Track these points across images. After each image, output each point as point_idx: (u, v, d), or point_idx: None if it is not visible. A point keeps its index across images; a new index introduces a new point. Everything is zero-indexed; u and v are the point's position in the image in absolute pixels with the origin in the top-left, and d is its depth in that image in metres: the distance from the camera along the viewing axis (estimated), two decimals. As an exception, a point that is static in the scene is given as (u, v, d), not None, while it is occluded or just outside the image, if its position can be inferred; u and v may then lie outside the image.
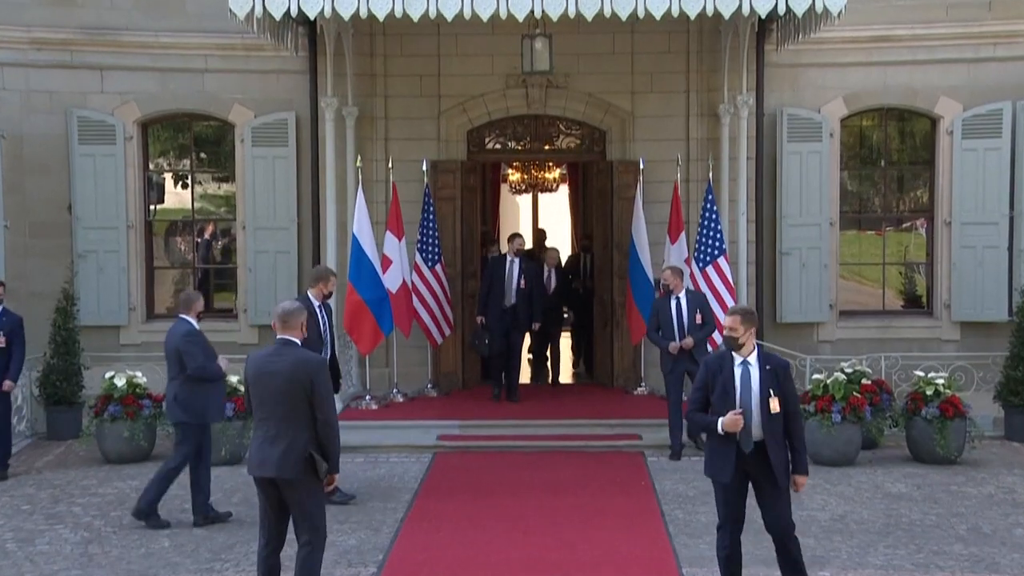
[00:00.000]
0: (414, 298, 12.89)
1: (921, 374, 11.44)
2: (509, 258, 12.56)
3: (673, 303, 10.94)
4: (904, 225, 14.49)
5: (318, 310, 9.10)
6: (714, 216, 12.41)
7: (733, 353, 6.61)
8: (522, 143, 14.24)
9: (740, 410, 6.53)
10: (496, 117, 13.96)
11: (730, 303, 12.12)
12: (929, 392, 11.15)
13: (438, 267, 13.03)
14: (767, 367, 6.58)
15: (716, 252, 12.34)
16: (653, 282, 12.73)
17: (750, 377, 6.57)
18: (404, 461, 11.10)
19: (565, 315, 15.20)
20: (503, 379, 12.75)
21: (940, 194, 13.79)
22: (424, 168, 13.12)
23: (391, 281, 12.47)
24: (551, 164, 18.83)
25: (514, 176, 19.57)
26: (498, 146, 14.23)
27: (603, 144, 13.99)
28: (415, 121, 13.66)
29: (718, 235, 12.37)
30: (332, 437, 6.27)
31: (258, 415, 6.37)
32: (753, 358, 6.60)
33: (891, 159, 14.24)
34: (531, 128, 14.11)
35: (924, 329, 13.81)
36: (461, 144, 13.91)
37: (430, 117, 13.73)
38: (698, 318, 10.86)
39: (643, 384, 13.50)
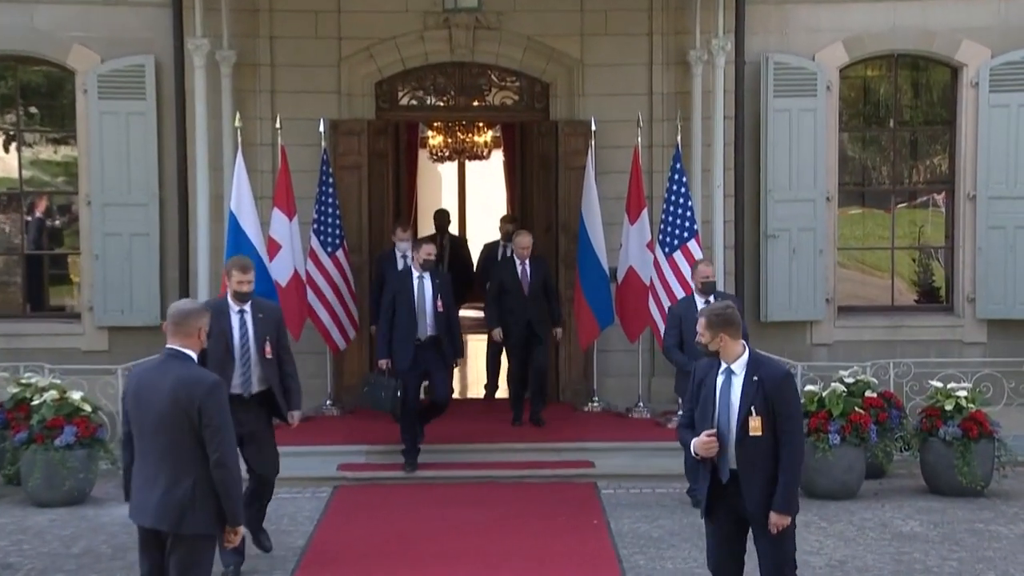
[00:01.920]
0: (309, 292, 12.89)
1: (939, 385, 11.59)
2: (416, 273, 11.53)
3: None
4: (918, 200, 14.68)
5: (235, 316, 8.82)
6: (683, 190, 12.49)
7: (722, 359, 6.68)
8: (444, 98, 14.27)
9: (712, 430, 6.59)
10: (412, 65, 13.98)
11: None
12: (949, 407, 11.29)
13: (339, 254, 13.04)
14: (754, 377, 6.59)
15: (686, 235, 12.42)
16: (608, 272, 12.91)
17: (730, 389, 6.61)
18: (295, 498, 11.11)
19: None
20: (412, 442, 11.62)
21: (962, 161, 14.01)
22: (321, 129, 13.10)
23: (279, 271, 12.46)
24: (481, 125, 18.90)
25: (435, 140, 19.62)
26: (414, 102, 14.25)
27: (545, 100, 14.06)
28: (309, 70, 13.65)
29: (688, 214, 12.44)
30: (228, 482, 6.21)
31: (137, 447, 6.32)
32: (739, 365, 6.64)
33: (902, 118, 14.44)
34: (456, 79, 14.13)
35: (943, 329, 13.99)
36: (368, 99, 13.92)
37: (328, 65, 13.72)
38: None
39: (596, 399, 13.62)
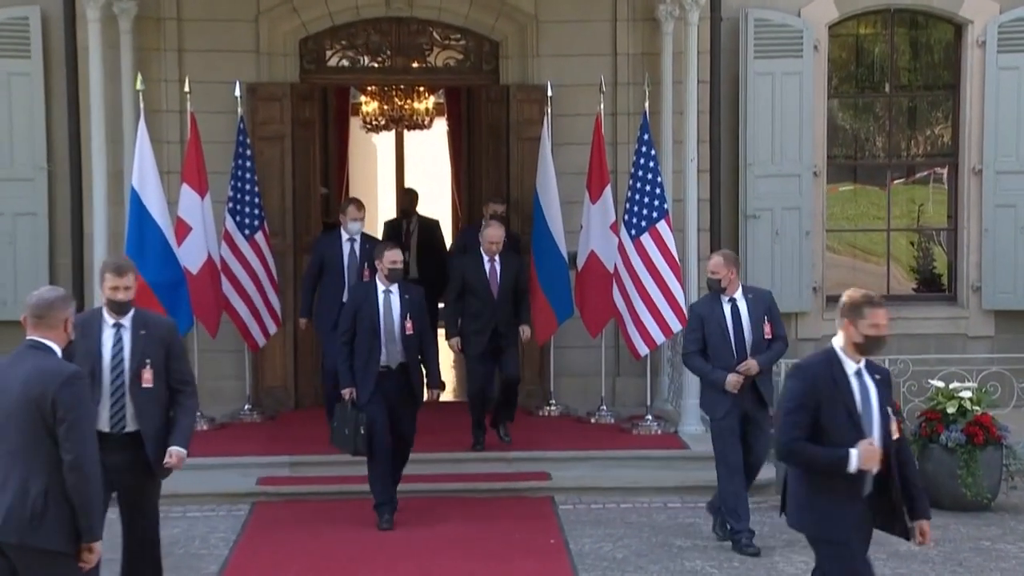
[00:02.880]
0: (224, 281, 12.85)
1: (940, 384, 11.64)
2: (381, 287, 10.71)
3: (727, 309, 10.04)
4: (917, 176, 14.75)
5: (109, 331, 7.79)
6: (652, 164, 12.50)
7: (842, 356, 6.85)
8: (380, 59, 14.24)
9: (871, 440, 6.75)
10: (342, 21, 13.94)
11: (674, 287, 12.34)
12: (951, 410, 11.33)
13: (259, 237, 13.00)
14: (876, 376, 6.90)
15: (655, 215, 12.44)
16: (567, 257, 12.94)
17: (868, 391, 6.83)
18: (209, 516, 11.02)
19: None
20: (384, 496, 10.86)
21: (967, 131, 14.15)
22: (237, 94, 13.03)
23: (189, 256, 12.39)
24: (422, 90, 18.84)
25: (369, 106, 19.55)
26: (345, 63, 14.22)
27: (495, 61, 14.06)
28: (223, 25, 13.57)
29: (658, 191, 12.46)
30: (84, 488, 6.10)
31: None
32: (857, 363, 6.88)
33: (899, 82, 14.54)
34: (393, 37, 14.10)
35: (945, 322, 14.14)
36: (291, 59, 13.87)
37: (245, 19, 13.66)
38: (767, 330, 10.05)
39: (553, 402, 13.64)
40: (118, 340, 7.77)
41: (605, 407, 13.33)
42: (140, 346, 7.73)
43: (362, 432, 10.44)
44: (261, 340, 13.15)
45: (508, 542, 10.24)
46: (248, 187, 12.94)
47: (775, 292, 13.22)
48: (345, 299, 11.54)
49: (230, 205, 12.91)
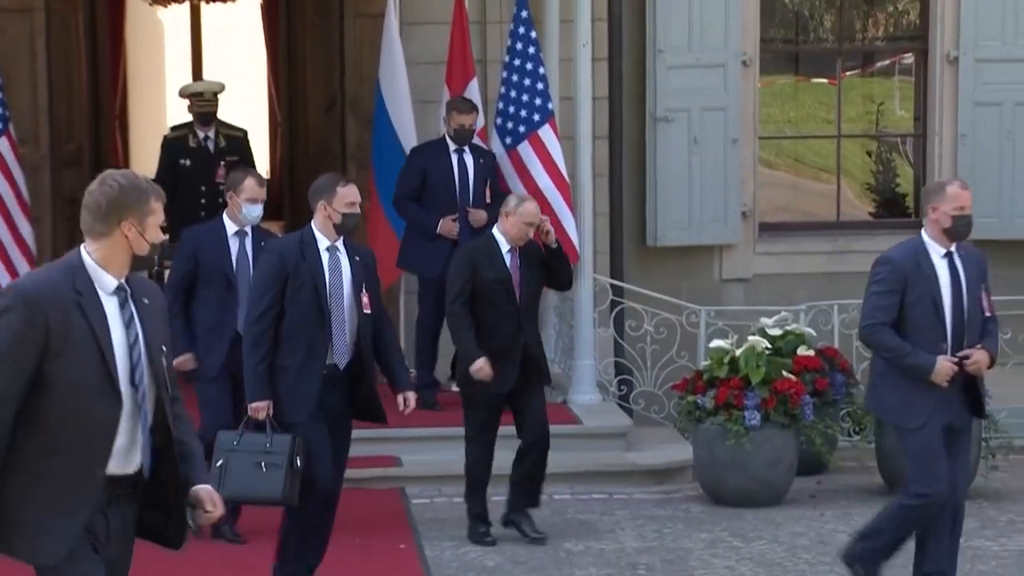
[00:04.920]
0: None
1: None
2: (325, 243, 9.25)
3: (943, 268, 8.93)
4: (877, 66, 14.87)
5: None
6: (532, 51, 12.49)
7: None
8: (167, -93, 14.14)
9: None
10: None
11: (562, 213, 12.36)
12: None
13: (2, 144, 12.86)
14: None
15: (536, 117, 12.48)
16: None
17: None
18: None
19: None
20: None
21: (939, 7, 14.22)
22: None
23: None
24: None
25: (153, -31, 19.33)
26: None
27: (322, -89, 14.03)
28: None
29: (539, 86, 12.48)
30: None
31: None
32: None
33: (853, -59, 14.76)
34: None
35: None
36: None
37: None
38: (985, 303, 9.04)
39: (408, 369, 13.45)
40: None
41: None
42: None
43: (296, 467, 9.13)
44: (5, 280, 12.79)
45: (345, 551, 9.94)
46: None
47: (692, 218, 13.89)
48: (241, 323, 9.97)
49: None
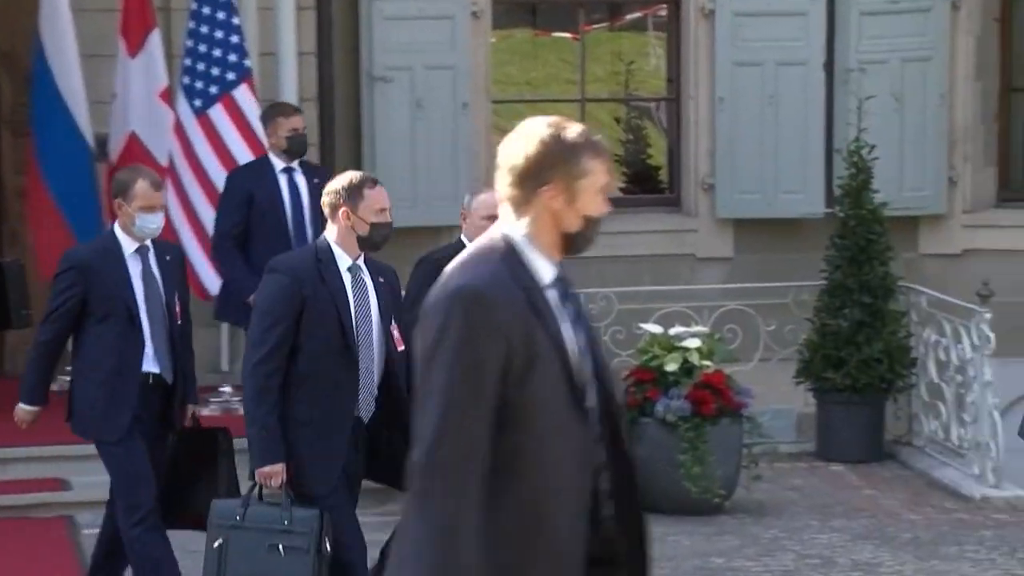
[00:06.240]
0: None
1: (656, 330, 11.87)
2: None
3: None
4: (626, 19, 14.96)
5: None
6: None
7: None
8: None
9: None
10: None
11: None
12: (672, 367, 11.51)
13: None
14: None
15: (230, 76, 12.35)
16: (92, 145, 12.51)
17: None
18: None
19: None
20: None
21: (693, -48, 14.46)
22: None
23: None
24: None
25: None
26: None
27: None
28: None
29: (233, 40, 12.34)
30: None
31: None
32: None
33: None
34: None
35: (663, 237, 14.21)
36: None
37: None
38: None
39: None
40: None
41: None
42: None
43: (326, 550, 8.42)
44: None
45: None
46: None
47: (417, 194, 13.68)
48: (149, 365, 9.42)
49: None
